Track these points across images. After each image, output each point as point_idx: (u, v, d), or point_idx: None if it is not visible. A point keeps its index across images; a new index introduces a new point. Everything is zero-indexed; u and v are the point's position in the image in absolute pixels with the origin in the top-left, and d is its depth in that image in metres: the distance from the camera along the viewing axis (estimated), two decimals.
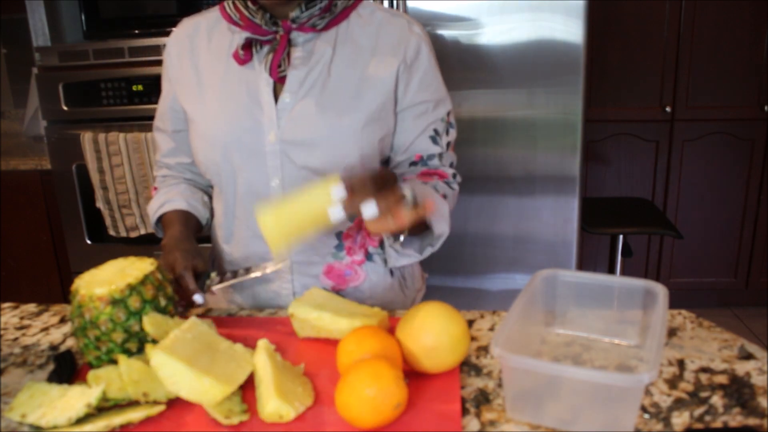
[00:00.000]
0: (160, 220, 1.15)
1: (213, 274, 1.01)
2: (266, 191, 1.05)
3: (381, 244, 1.12)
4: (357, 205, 0.81)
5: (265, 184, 1.05)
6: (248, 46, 1.03)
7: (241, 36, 1.04)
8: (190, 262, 0.98)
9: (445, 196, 1.06)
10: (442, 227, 1.01)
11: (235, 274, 0.99)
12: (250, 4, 1.03)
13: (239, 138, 1.03)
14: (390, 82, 1.04)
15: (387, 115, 1.06)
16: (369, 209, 0.81)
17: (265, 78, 1.03)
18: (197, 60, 1.08)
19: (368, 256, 1.13)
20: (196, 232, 1.15)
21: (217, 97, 1.05)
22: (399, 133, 1.09)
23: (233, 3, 1.06)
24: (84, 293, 0.80)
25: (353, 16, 1.05)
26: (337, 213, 0.81)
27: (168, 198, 1.14)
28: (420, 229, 1.00)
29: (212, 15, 1.10)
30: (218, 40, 1.07)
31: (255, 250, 1.11)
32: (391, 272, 1.15)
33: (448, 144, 1.12)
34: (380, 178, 0.84)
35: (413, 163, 1.11)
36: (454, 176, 1.13)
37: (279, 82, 1.03)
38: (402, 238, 1.02)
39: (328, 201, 0.81)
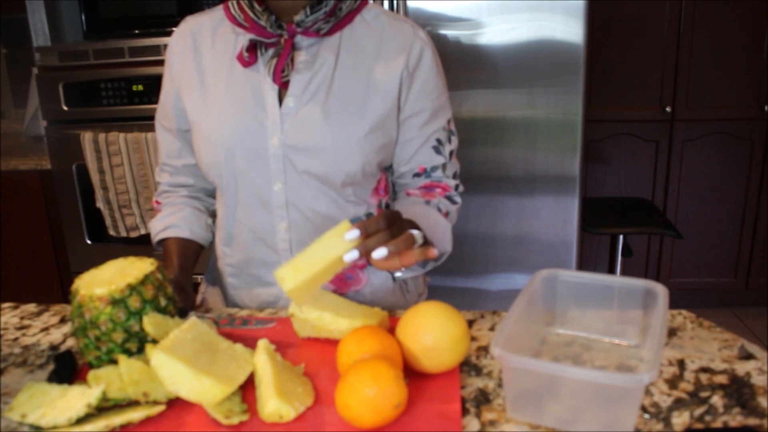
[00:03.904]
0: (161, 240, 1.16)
1: (192, 314, 0.98)
2: (269, 195, 1.05)
3: None
4: (371, 248, 0.82)
5: (268, 188, 1.05)
6: (253, 48, 1.02)
7: (245, 38, 1.03)
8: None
9: (448, 213, 1.07)
10: (444, 247, 1.03)
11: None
12: (255, 5, 1.02)
13: (242, 141, 1.03)
14: (394, 88, 1.03)
15: (391, 123, 1.05)
16: (380, 251, 0.82)
17: (269, 81, 1.02)
18: (200, 59, 1.07)
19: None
20: (196, 256, 1.16)
21: (220, 99, 1.05)
22: (402, 144, 1.08)
23: (237, 3, 1.04)
24: (84, 293, 0.80)
25: (357, 20, 1.05)
26: (352, 256, 0.82)
27: (171, 223, 1.15)
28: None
29: (216, 15, 1.09)
30: (222, 41, 1.07)
31: (255, 254, 1.11)
32: (393, 277, 1.15)
33: (451, 153, 1.12)
34: (389, 218, 0.84)
35: (417, 175, 1.11)
36: (456, 187, 1.12)
37: (282, 88, 1.02)
38: (400, 273, 1.05)
39: (343, 247, 0.81)
